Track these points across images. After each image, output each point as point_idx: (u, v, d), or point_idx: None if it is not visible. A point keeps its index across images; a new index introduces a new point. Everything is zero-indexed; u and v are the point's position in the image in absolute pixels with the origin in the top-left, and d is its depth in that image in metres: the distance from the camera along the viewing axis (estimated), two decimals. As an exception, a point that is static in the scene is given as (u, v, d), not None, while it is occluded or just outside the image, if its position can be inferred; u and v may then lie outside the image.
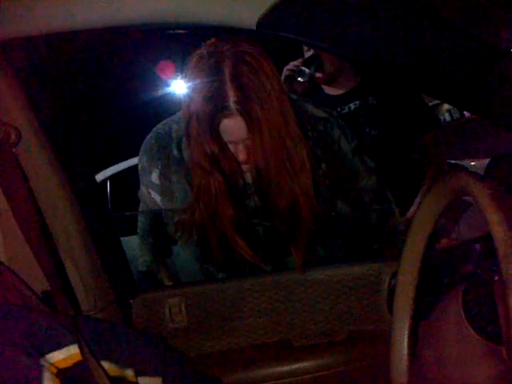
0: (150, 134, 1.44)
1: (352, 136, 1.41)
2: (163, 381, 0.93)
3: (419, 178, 1.91)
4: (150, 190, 1.44)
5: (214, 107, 1.17)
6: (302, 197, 1.27)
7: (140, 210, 1.55)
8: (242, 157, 1.25)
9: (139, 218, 1.57)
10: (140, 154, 1.46)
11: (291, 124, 1.24)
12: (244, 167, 1.30)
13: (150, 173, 1.42)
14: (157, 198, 1.43)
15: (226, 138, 1.22)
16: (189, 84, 1.22)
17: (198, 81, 1.20)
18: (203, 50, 1.20)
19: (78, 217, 1.10)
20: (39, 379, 0.68)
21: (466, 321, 0.63)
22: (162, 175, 1.40)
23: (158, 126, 1.44)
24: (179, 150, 1.37)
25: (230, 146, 1.25)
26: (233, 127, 1.18)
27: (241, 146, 1.23)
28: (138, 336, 0.97)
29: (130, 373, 0.88)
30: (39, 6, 0.85)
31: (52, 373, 0.69)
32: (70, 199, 1.08)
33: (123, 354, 0.89)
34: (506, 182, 0.94)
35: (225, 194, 1.28)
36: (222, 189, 1.27)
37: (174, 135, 1.37)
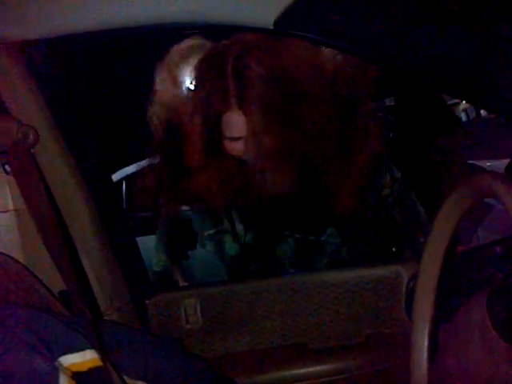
0: None
1: None
2: None
3: (439, 179, 1.88)
4: None
5: (215, 101, 1.17)
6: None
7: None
8: (238, 153, 1.23)
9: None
10: None
11: (299, 121, 1.20)
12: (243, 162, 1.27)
13: None
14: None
15: (228, 133, 1.22)
16: (195, 80, 1.22)
17: (202, 77, 1.20)
18: (212, 50, 1.21)
19: (95, 217, 1.10)
20: (55, 381, 0.67)
21: (491, 327, 0.61)
22: None
23: None
24: None
25: (233, 143, 1.23)
26: (233, 122, 1.18)
27: (241, 143, 1.22)
28: (155, 341, 0.96)
29: None
30: (55, 8, 0.85)
31: (67, 375, 0.69)
32: (87, 199, 1.09)
33: (137, 366, 0.88)
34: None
35: (224, 190, 1.28)
36: (217, 184, 1.27)
37: None
